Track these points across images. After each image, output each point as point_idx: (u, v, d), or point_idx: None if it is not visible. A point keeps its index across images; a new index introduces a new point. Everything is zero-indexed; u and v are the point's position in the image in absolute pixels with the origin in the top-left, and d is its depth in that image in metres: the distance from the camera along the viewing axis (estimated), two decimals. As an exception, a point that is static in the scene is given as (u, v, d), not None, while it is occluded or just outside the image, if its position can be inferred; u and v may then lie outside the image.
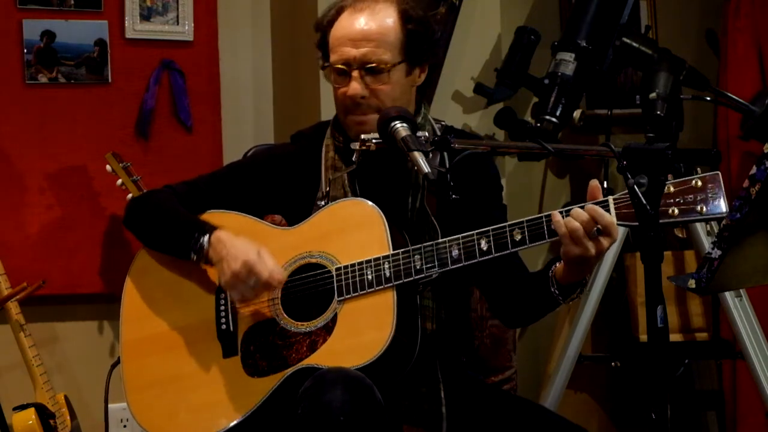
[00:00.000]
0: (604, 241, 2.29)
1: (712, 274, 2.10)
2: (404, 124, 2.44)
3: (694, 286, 2.13)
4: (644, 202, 2.10)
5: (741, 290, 3.70)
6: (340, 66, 2.57)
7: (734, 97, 3.84)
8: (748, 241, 2.11)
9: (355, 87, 2.55)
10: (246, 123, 4.01)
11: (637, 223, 2.13)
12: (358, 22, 2.56)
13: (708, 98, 3.88)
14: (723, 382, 4.17)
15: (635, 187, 2.12)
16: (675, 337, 3.98)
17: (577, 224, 2.28)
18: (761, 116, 3.75)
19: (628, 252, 3.97)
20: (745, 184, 2.05)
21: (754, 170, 2.04)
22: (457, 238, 2.42)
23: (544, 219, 2.34)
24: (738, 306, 3.74)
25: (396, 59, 2.56)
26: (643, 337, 3.94)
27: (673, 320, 3.97)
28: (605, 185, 3.89)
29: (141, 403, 2.60)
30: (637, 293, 3.97)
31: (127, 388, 2.62)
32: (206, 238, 2.52)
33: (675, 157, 2.09)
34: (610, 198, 2.32)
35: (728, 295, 3.74)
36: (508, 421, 2.53)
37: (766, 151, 2.03)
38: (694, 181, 2.27)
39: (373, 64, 2.54)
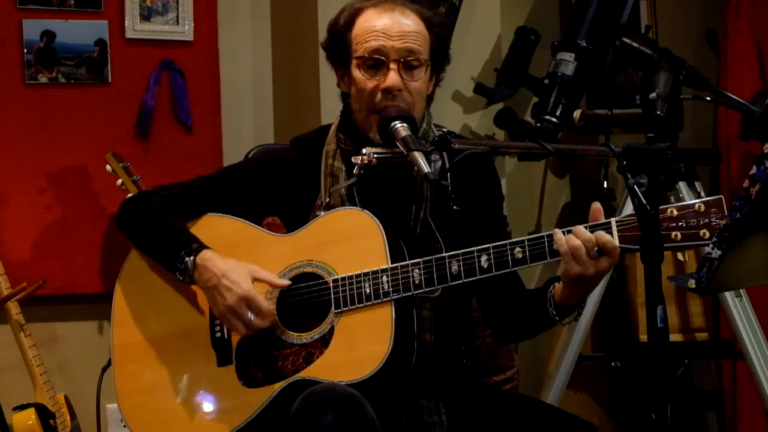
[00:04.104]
0: (605, 262, 2.29)
1: (712, 274, 2.10)
2: (404, 124, 2.44)
3: (694, 286, 2.13)
4: (644, 201, 2.11)
5: (741, 290, 3.70)
6: (376, 57, 2.52)
7: (734, 97, 3.84)
8: (748, 241, 2.11)
9: (395, 77, 2.50)
10: (246, 123, 4.00)
11: (638, 247, 2.13)
12: (392, 19, 2.52)
13: (708, 98, 3.88)
14: (723, 382, 4.17)
15: (635, 187, 2.12)
16: (675, 337, 3.98)
17: (578, 242, 2.28)
18: (761, 116, 3.76)
19: (628, 253, 3.97)
20: (745, 184, 2.05)
21: (754, 170, 2.04)
22: (457, 254, 2.40)
23: (545, 238, 2.34)
24: (738, 306, 3.74)
25: (428, 59, 2.55)
26: (643, 337, 3.94)
27: (673, 320, 3.97)
28: (605, 185, 3.89)
29: (133, 408, 2.58)
30: (637, 293, 3.96)
31: (119, 393, 2.60)
32: (191, 259, 2.48)
33: (675, 157, 2.09)
34: (613, 220, 2.31)
35: (728, 295, 3.74)
36: (510, 423, 2.52)
37: (766, 151, 2.02)
38: (697, 205, 2.26)
39: (413, 58, 2.52)
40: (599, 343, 4.22)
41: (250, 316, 2.44)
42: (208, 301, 2.51)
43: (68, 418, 3.47)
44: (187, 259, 2.49)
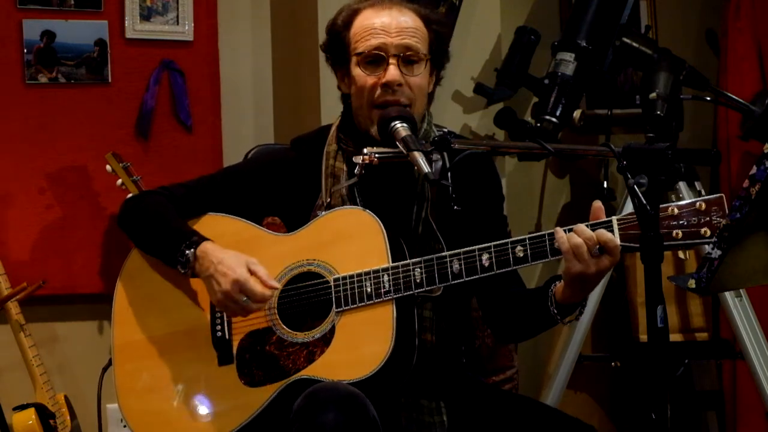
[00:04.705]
0: (606, 260, 2.30)
1: (712, 274, 2.10)
2: (404, 124, 2.44)
3: (694, 286, 2.13)
4: (644, 201, 2.11)
5: (741, 290, 3.70)
6: (376, 52, 2.53)
7: (734, 97, 3.84)
8: (748, 241, 2.11)
9: (395, 72, 2.51)
10: (246, 123, 4.00)
11: (638, 245, 2.13)
12: (390, 17, 2.54)
13: (708, 98, 3.88)
14: (723, 382, 4.17)
15: (635, 187, 2.12)
16: (675, 337, 3.98)
17: (580, 240, 2.29)
18: (761, 116, 3.76)
19: (628, 252, 3.97)
20: (745, 184, 2.05)
21: (754, 170, 2.04)
22: (458, 253, 2.40)
23: (546, 237, 2.34)
24: (738, 306, 3.74)
25: (427, 54, 2.57)
26: (643, 337, 3.93)
27: (673, 320, 3.97)
28: (605, 185, 3.89)
29: (134, 408, 2.58)
30: (637, 293, 3.96)
31: (119, 392, 2.60)
32: (192, 251, 2.49)
33: (675, 157, 2.09)
34: (614, 218, 2.32)
35: (728, 295, 3.74)
36: (511, 424, 2.52)
37: (766, 151, 2.03)
38: (698, 204, 2.26)
39: (412, 53, 2.53)
40: (599, 343, 4.22)
41: (245, 299, 2.44)
42: (207, 291, 2.51)
43: (68, 418, 3.47)
44: (188, 251, 2.49)
